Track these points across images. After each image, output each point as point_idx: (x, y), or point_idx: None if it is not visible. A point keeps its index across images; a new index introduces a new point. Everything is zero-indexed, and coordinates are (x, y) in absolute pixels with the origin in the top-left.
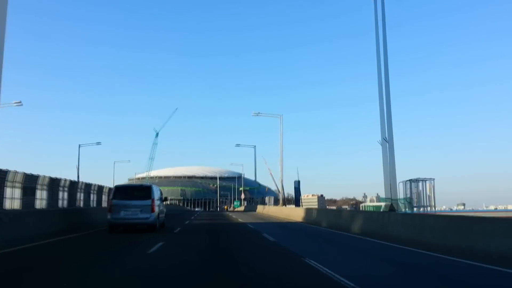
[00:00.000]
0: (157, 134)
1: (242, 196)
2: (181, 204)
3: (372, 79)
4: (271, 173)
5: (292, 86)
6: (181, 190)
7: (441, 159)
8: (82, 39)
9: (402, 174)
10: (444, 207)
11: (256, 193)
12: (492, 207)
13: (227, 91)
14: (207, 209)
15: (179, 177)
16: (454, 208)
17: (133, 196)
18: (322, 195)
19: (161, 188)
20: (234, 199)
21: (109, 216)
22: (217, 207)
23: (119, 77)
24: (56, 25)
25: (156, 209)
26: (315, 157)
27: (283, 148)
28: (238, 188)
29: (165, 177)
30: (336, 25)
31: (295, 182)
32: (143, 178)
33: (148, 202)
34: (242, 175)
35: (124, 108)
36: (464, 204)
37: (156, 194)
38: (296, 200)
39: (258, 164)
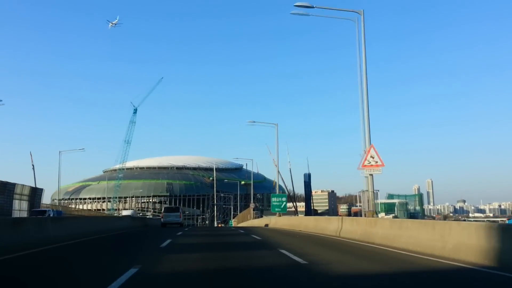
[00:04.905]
0: (135, 110)
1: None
2: (165, 204)
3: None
4: (275, 164)
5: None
6: (168, 184)
7: (441, 157)
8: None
9: (406, 172)
10: (447, 203)
11: (261, 189)
12: (495, 204)
13: (227, 76)
14: (201, 212)
15: (166, 168)
16: (457, 205)
17: (172, 210)
18: (333, 191)
19: (142, 181)
20: (236, 196)
21: (162, 220)
22: (212, 205)
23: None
24: None
25: (181, 216)
26: (315, 154)
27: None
28: (240, 182)
29: (148, 168)
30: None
31: (305, 175)
32: (120, 169)
33: (178, 213)
34: (245, 165)
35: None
36: (464, 201)
37: (181, 210)
38: (307, 198)
39: (260, 157)
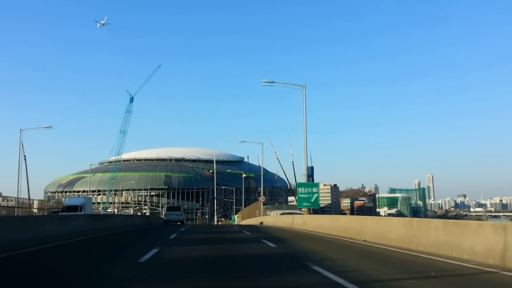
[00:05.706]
0: (131, 99)
1: None
2: (162, 197)
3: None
4: (277, 157)
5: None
6: (166, 176)
7: (441, 151)
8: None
9: (406, 167)
10: (448, 198)
11: (263, 182)
12: (496, 199)
13: (227, 69)
14: (201, 206)
15: (164, 159)
16: (458, 200)
17: (174, 209)
18: (335, 185)
19: (139, 173)
20: (237, 189)
21: (164, 218)
22: (212, 198)
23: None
24: None
25: (183, 214)
26: (317, 147)
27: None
28: (242, 175)
29: (145, 160)
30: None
31: (307, 168)
32: (116, 161)
33: (179, 212)
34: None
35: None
36: (465, 195)
37: (182, 209)
38: None
39: (259, 151)
